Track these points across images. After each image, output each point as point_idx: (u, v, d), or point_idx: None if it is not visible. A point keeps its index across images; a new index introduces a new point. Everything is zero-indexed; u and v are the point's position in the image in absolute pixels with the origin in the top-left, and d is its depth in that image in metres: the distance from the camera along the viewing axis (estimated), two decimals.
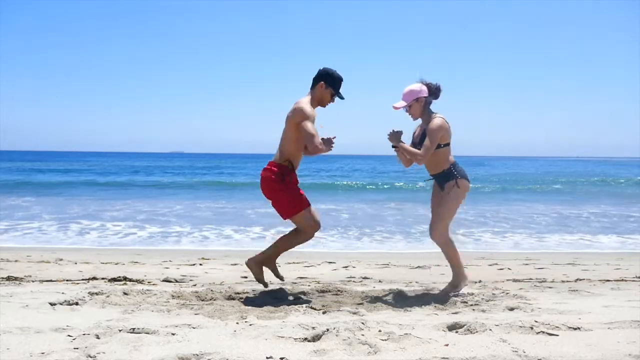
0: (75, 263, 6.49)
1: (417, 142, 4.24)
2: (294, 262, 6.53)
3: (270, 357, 2.59)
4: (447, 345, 2.80)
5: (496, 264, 6.80)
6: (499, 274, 5.94)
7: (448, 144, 4.17)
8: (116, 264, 6.48)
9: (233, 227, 11.20)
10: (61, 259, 6.78)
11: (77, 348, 2.67)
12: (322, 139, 4.16)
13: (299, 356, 2.62)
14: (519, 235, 10.52)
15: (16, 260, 6.55)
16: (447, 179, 4.20)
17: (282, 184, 4.08)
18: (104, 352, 2.62)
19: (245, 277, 5.49)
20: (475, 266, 6.55)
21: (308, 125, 3.99)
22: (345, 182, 28.31)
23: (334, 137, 4.17)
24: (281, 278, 4.39)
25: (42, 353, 2.60)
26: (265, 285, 4.33)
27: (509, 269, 6.40)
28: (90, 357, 2.56)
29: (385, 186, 25.57)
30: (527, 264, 6.90)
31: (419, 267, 6.43)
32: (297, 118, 4.03)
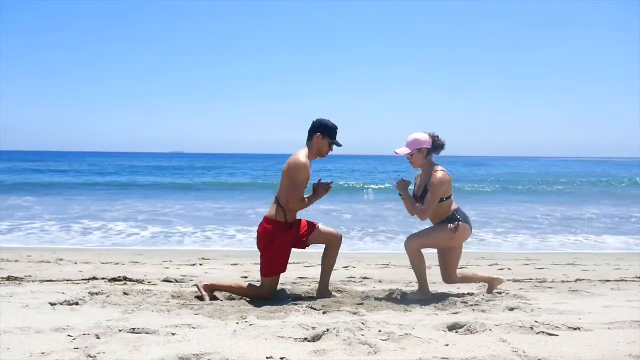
0: (75, 263, 6.50)
1: (419, 195, 4.25)
2: (294, 262, 6.53)
3: (270, 357, 2.59)
4: (447, 345, 2.80)
5: (496, 264, 6.81)
6: (499, 274, 5.94)
7: (450, 196, 4.18)
8: (116, 264, 6.49)
9: (236, 227, 11.21)
10: (61, 259, 6.78)
11: (77, 348, 2.67)
12: (320, 182, 4.21)
13: (299, 356, 2.62)
14: (522, 236, 10.53)
15: (16, 260, 6.55)
16: (448, 223, 4.20)
17: (270, 245, 4.14)
18: (104, 352, 2.62)
19: (245, 277, 5.49)
20: (475, 266, 6.55)
21: (296, 180, 4.03)
22: (345, 183, 28.30)
23: (332, 183, 4.24)
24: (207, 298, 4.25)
25: (42, 353, 2.60)
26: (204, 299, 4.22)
27: (509, 269, 6.41)
28: (90, 357, 2.56)
29: (385, 186, 25.56)
30: (527, 264, 6.90)
31: None
32: (290, 172, 4.07)
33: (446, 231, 4.17)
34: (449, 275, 4.35)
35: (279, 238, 4.13)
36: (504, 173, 43.71)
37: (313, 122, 4.23)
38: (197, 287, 4.22)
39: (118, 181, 28.22)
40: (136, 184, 26.25)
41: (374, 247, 9.26)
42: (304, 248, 4.31)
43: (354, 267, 6.43)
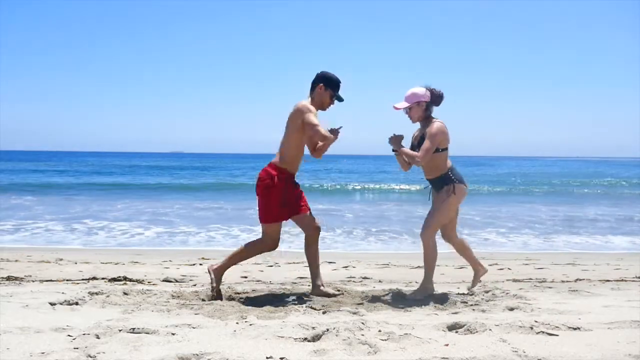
0: (75, 263, 6.50)
1: (416, 144, 4.26)
2: (294, 262, 6.54)
3: (270, 357, 2.59)
4: (447, 345, 2.80)
5: (496, 264, 6.80)
6: (499, 274, 5.94)
7: (446, 149, 4.19)
8: (116, 264, 6.49)
9: (240, 226, 11.21)
10: (61, 259, 6.78)
11: (77, 348, 2.67)
12: (331, 129, 4.14)
13: (299, 356, 2.62)
14: (525, 236, 10.50)
15: (16, 260, 6.55)
16: (444, 184, 4.23)
17: (272, 188, 4.10)
18: (104, 352, 2.62)
19: (245, 277, 5.49)
20: None
21: (311, 117, 4.01)
22: (344, 183, 28.30)
23: (340, 127, 4.16)
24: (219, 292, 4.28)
25: (42, 353, 2.60)
26: (219, 294, 4.22)
27: (509, 269, 6.40)
28: (90, 357, 2.56)
29: (384, 187, 25.57)
30: (527, 264, 6.90)
31: (419, 267, 6.41)
32: (298, 114, 4.06)
33: (447, 201, 4.19)
34: (448, 235, 4.43)
35: (282, 183, 4.10)
36: (504, 173, 43.73)
37: (317, 73, 4.21)
38: (208, 270, 4.23)
39: (118, 181, 28.21)
40: (136, 184, 26.23)
41: (377, 247, 9.24)
42: (286, 219, 4.22)
43: (354, 267, 6.43)
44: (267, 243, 4.18)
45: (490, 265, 6.71)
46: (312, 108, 4.09)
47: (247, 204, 15.46)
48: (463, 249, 4.50)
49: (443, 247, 4.59)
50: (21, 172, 35.68)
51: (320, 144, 4.25)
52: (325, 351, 2.67)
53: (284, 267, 6.32)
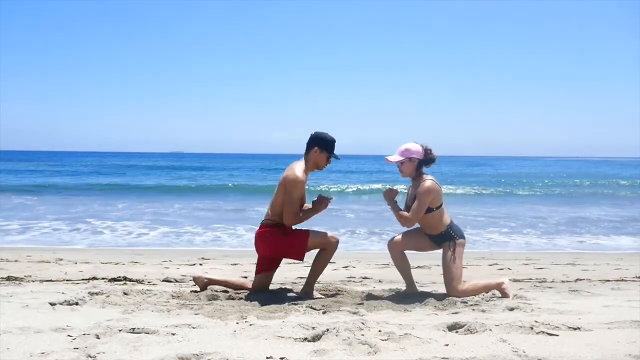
0: (75, 263, 6.50)
1: (410, 205, 4.25)
2: (293, 263, 6.54)
3: (270, 357, 2.59)
4: (447, 345, 2.80)
5: (496, 264, 6.81)
6: (499, 274, 5.94)
7: (440, 206, 4.18)
8: (116, 264, 6.49)
9: (244, 226, 11.22)
10: (61, 259, 6.79)
11: (77, 348, 2.67)
12: (320, 197, 4.19)
13: (299, 356, 2.62)
14: (527, 236, 10.50)
15: (16, 260, 6.56)
16: (444, 241, 4.23)
17: (278, 233, 4.18)
18: (104, 352, 2.62)
19: (245, 277, 5.49)
20: (475, 266, 6.56)
21: (290, 195, 4.04)
22: (343, 184, 28.30)
23: (331, 200, 4.22)
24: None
25: (42, 353, 2.60)
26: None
27: (509, 269, 6.41)
28: (90, 357, 2.56)
29: (384, 187, 25.56)
30: (527, 264, 6.90)
31: (419, 267, 6.43)
32: (285, 185, 4.09)
33: (455, 256, 4.19)
34: (401, 244, 4.38)
35: (283, 228, 4.18)
36: (505, 173, 43.76)
37: (311, 135, 4.22)
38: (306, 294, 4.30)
39: (117, 182, 28.21)
40: (135, 185, 26.23)
41: (380, 247, 9.24)
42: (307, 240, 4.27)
43: (354, 267, 6.43)
44: (330, 244, 4.24)
45: (490, 265, 6.73)
46: (301, 180, 4.06)
47: (247, 204, 15.48)
48: (403, 262, 4.43)
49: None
50: (21, 172, 35.70)
51: (301, 215, 4.19)
52: (325, 351, 2.67)
53: (284, 267, 6.32)
